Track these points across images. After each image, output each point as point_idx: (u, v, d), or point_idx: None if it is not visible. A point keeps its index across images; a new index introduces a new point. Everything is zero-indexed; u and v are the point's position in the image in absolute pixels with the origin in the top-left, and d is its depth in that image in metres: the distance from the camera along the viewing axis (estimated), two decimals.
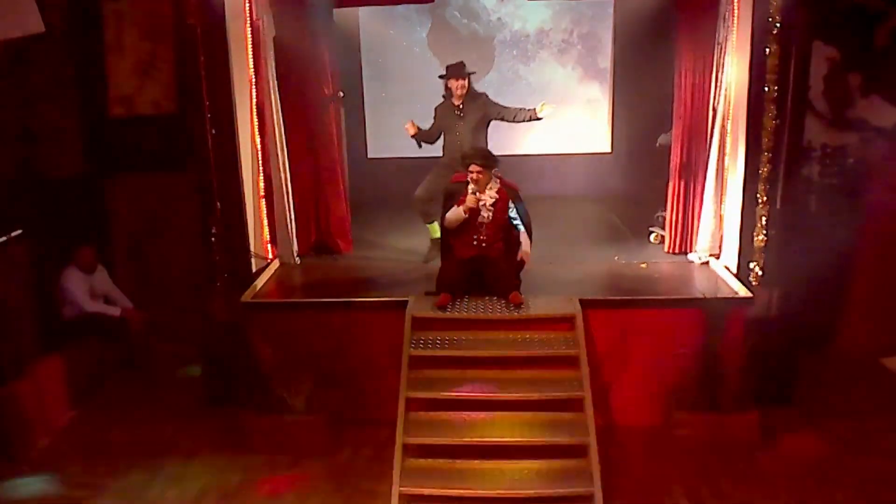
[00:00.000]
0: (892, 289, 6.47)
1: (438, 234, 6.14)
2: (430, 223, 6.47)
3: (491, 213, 5.45)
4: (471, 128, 6.16)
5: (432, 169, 6.40)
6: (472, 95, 6.19)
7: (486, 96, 6.24)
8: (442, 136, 6.32)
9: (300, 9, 6.36)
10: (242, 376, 5.58)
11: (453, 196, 5.53)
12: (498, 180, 5.52)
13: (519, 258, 5.50)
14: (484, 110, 6.18)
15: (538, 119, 6.09)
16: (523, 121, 6.15)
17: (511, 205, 5.52)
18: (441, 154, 6.38)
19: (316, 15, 6.49)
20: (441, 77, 6.29)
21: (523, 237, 5.55)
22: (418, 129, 6.28)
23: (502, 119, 6.20)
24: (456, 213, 5.43)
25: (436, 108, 6.35)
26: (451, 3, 8.52)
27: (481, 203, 5.41)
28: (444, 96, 6.31)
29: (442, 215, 5.63)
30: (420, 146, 6.37)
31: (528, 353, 5.20)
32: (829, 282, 6.43)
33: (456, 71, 6.18)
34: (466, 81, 6.14)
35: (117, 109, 6.70)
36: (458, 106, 6.18)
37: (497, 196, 5.45)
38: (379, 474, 4.98)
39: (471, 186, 5.40)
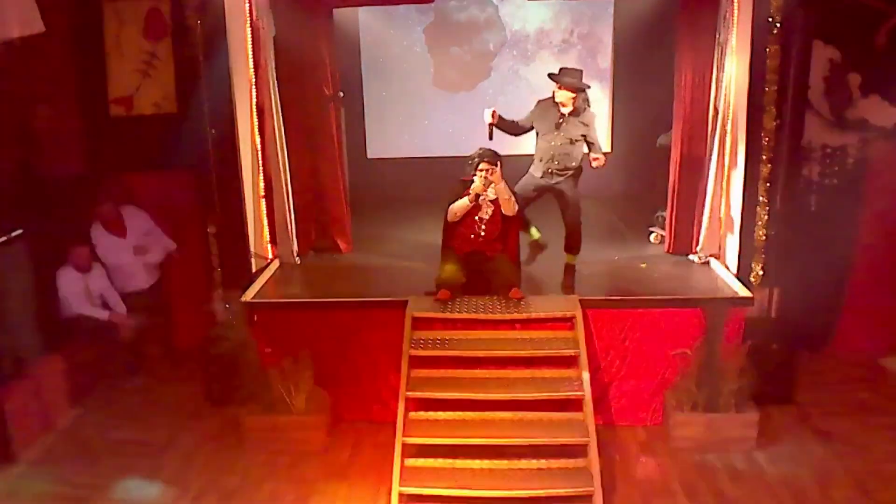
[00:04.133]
0: (892, 289, 6.47)
1: (537, 236, 6.07)
2: (525, 231, 6.09)
3: (491, 210, 5.48)
4: (567, 142, 5.67)
5: (524, 178, 5.93)
6: (579, 110, 5.65)
7: (594, 116, 5.73)
8: (536, 139, 5.83)
9: (300, 9, 6.36)
10: (242, 376, 5.59)
11: (459, 194, 5.55)
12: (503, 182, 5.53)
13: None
14: (584, 131, 5.65)
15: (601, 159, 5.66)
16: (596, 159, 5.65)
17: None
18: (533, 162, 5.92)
19: (316, 15, 6.49)
20: (550, 77, 5.71)
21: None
22: (501, 118, 5.67)
23: (589, 148, 5.70)
24: (461, 202, 5.45)
25: (537, 102, 5.80)
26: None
27: (483, 197, 5.43)
28: (553, 93, 5.71)
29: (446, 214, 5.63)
30: (491, 137, 5.75)
31: (528, 353, 5.21)
32: (828, 282, 6.43)
33: (567, 80, 5.59)
34: (575, 97, 5.60)
35: (117, 109, 6.70)
36: (563, 114, 5.64)
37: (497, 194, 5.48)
38: (379, 474, 4.98)
39: (479, 173, 5.40)
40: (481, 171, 5.38)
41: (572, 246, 5.96)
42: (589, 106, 5.78)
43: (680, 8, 6.26)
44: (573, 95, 5.62)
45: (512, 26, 8.60)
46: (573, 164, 5.75)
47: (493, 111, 5.66)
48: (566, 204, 5.86)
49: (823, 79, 6.24)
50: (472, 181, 5.45)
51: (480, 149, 5.51)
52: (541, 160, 5.79)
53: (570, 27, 8.57)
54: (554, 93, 5.69)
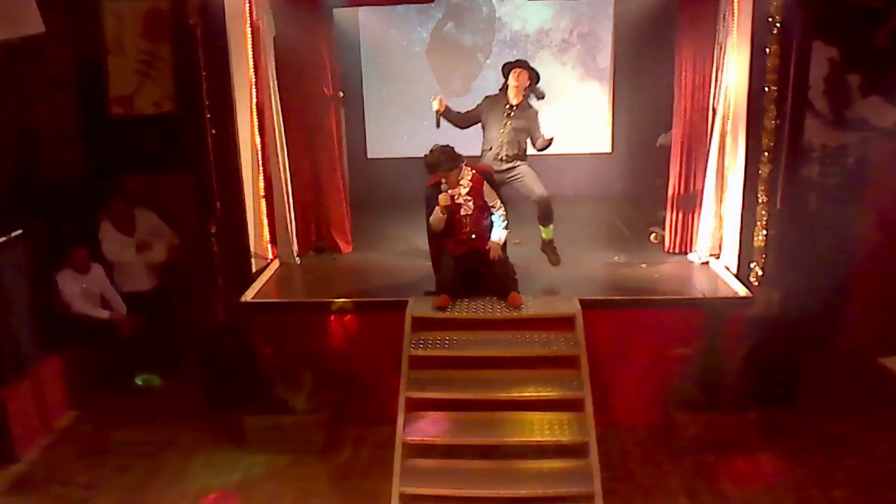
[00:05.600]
0: (893, 289, 6.47)
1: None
2: None
3: (471, 203, 5.46)
4: (514, 132, 5.91)
5: None
6: (525, 104, 5.93)
7: (536, 113, 5.97)
8: (483, 132, 6.03)
9: (300, 9, 6.36)
10: (242, 376, 5.59)
11: (432, 200, 5.50)
12: (470, 169, 5.50)
13: (490, 254, 5.45)
14: (530, 123, 5.91)
15: (548, 143, 5.84)
16: (542, 148, 5.90)
17: (487, 187, 5.49)
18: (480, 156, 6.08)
19: (316, 15, 6.49)
20: (505, 66, 5.96)
21: (495, 229, 5.50)
22: (447, 107, 5.94)
23: (532, 142, 5.97)
24: (435, 215, 5.46)
25: (485, 97, 6.04)
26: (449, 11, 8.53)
27: (457, 200, 5.42)
28: (501, 89, 5.97)
29: (427, 220, 5.63)
30: (438, 125, 6.00)
31: (528, 353, 5.20)
32: (829, 282, 6.43)
33: (520, 63, 5.92)
34: (527, 79, 5.85)
35: (117, 109, 6.70)
36: (512, 105, 5.90)
37: (471, 184, 5.45)
38: (379, 474, 4.98)
39: (443, 186, 5.40)
40: (442, 176, 5.35)
41: (546, 217, 6.14)
42: (542, 97, 6.01)
43: (680, 8, 6.26)
44: (527, 84, 5.87)
45: (512, 26, 8.60)
46: (519, 152, 5.98)
47: (440, 98, 5.93)
48: (529, 184, 6.01)
49: (823, 79, 6.24)
50: (441, 183, 5.41)
51: (435, 148, 5.39)
52: (490, 150, 5.98)
53: (569, 27, 8.57)
54: (506, 85, 5.92)
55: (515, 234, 5.96)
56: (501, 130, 5.92)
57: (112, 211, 6.48)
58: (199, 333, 6.03)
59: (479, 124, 6.05)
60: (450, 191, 5.39)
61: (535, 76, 5.94)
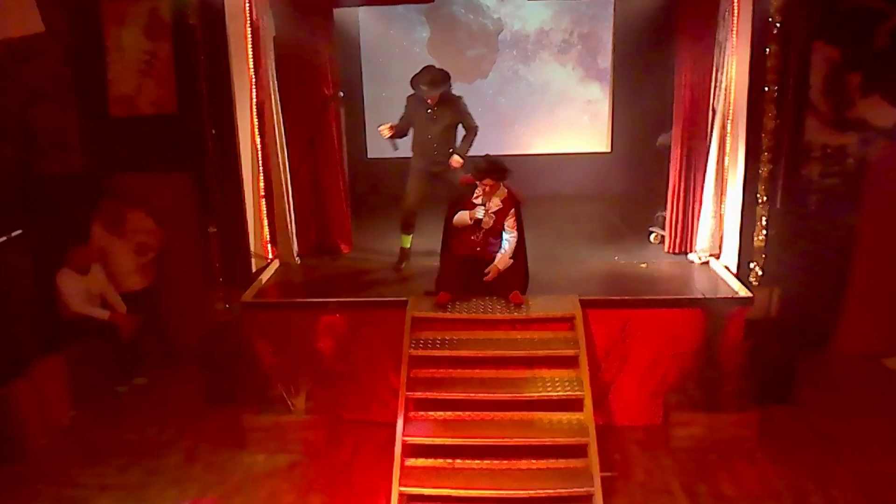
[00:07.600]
0: (892, 289, 6.47)
1: (409, 245, 6.40)
2: (407, 234, 6.39)
3: (492, 219, 5.49)
4: (442, 130, 6.09)
5: (409, 176, 6.28)
6: (445, 98, 6.05)
7: (460, 101, 6.14)
8: (412, 135, 6.20)
9: (300, 9, 6.36)
10: (242, 376, 5.59)
11: (460, 200, 5.56)
12: (506, 189, 5.54)
13: (489, 275, 5.50)
14: (456, 116, 6.10)
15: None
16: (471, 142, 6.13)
17: (513, 213, 5.52)
18: (412, 155, 6.26)
19: (316, 15, 6.49)
20: (412, 79, 6.06)
21: (501, 253, 5.54)
22: (393, 126, 6.09)
23: (465, 128, 6.15)
24: (462, 218, 5.50)
25: (408, 98, 6.17)
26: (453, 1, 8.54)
27: (486, 208, 5.47)
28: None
29: (448, 217, 5.64)
30: (396, 148, 6.21)
31: (528, 353, 5.21)
32: (828, 282, 6.43)
33: (426, 82, 5.96)
34: (436, 96, 5.99)
35: (117, 109, 6.69)
36: (432, 107, 6.05)
37: (502, 205, 5.48)
38: (379, 474, 4.98)
39: (477, 191, 5.44)
40: (483, 185, 5.39)
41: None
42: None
43: (680, 8, 6.26)
44: (433, 97, 6.00)
45: (512, 26, 8.60)
46: (451, 149, 6.16)
47: (389, 126, 6.06)
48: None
49: (823, 79, 6.24)
50: (476, 184, 5.44)
51: (487, 158, 5.45)
52: (422, 153, 6.18)
53: (570, 27, 8.56)
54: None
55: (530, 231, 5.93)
56: (429, 135, 6.10)
57: (103, 213, 6.46)
58: (200, 333, 6.04)
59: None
60: (486, 205, 5.44)
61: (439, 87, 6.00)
